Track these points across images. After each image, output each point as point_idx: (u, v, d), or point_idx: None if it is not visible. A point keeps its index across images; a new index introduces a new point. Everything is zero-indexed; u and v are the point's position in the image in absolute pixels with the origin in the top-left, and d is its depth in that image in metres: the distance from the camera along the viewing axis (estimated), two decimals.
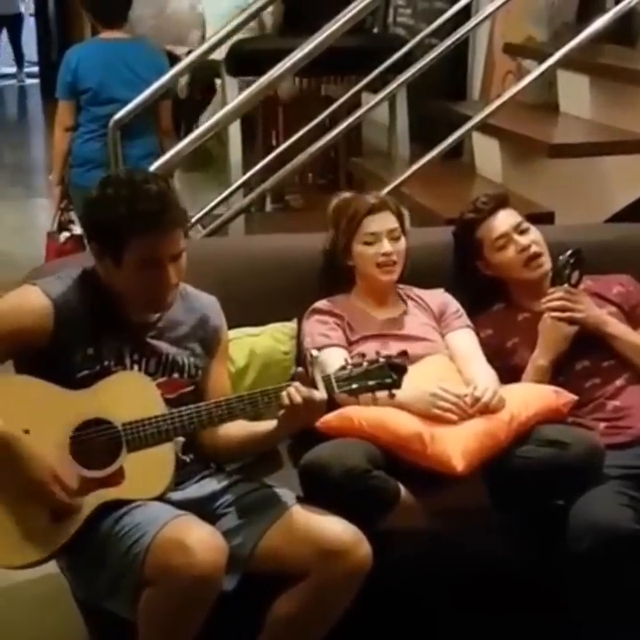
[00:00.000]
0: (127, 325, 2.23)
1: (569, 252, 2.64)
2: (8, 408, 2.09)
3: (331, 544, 2.08)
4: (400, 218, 2.65)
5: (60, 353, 2.16)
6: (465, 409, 2.33)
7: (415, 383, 2.29)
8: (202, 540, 2.01)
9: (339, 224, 2.65)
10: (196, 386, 2.31)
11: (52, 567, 2.21)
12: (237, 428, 2.25)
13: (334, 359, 2.37)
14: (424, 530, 2.30)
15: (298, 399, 2.08)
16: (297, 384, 2.11)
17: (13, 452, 2.07)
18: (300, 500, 2.21)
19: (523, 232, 2.70)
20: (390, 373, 2.13)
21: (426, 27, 4.33)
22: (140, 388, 2.20)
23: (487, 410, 2.34)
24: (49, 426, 2.09)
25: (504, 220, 2.71)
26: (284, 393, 2.10)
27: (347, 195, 2.72)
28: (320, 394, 2.10)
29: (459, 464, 2.25)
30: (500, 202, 2.75)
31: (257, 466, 2.46)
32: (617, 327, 2.62)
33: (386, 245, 2.59)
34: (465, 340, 2.62)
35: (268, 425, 2.21)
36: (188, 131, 7.01)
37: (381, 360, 2.14)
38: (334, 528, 2.11)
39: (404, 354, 2.16)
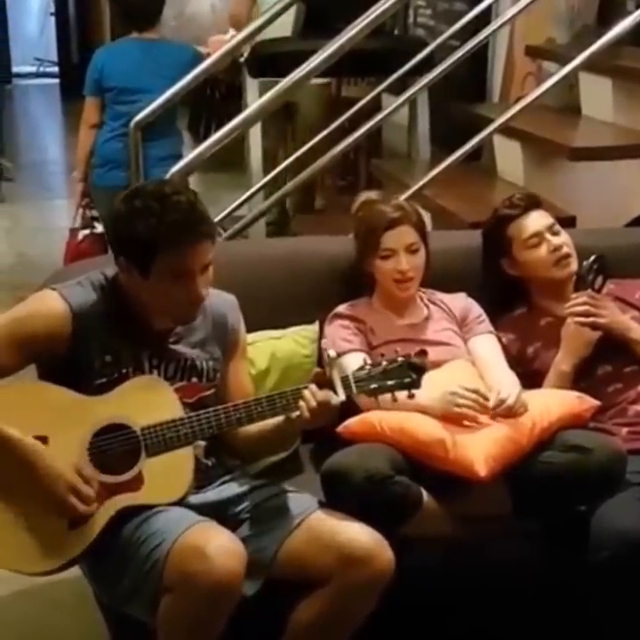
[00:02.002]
0: (146, 331, 2.23)
1: (592, 258, 2.64)
2: (27, 414, 2.10)
3: (354, 550, 2.08)
4: (420, 228, 2.62)
5: (78, 360, 2.16)
6: (485, 405, 2.32)
7: (436, 387, 2.28)
8: (221, 547, 2.00)
9: (359, 232, 2.65)
10: (216, 388, 2.31)
11: (72, 570, 2.21)
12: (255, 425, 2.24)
13: (356, 364, 2.36)
14: (446, 535, 2.30)
15: (313, 404, 2.09)
16: (313, 387, 2.10)
17: (30, 462, 2.07)
18: (321, 505, 2.20)
19: (555, 233, 2.70)
20: (409, 373, 2.12)
21: (446, 28, 4.32)
22: (158, 392, 2.19)
23: (510, 414, 2.33)
24: (68, 432, 2.10)
25: (537, 219, 2.70)
26: (302, 402, 2.10)
27: (370, 196, 2.70)
28: (336, 397, 2.10)
29: (481, 469, 2.24)
30: (535, 202, 2.74)
31: (278, 470, 2.46)
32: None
33: (403, 262, 2.56)
34: (487, 346, 2.61)
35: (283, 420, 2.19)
36: (218, 128, 7.00)
37: (400, 359, 2.13)
38: (358, 534, 2.10)
39: (423, 353, 2.15)
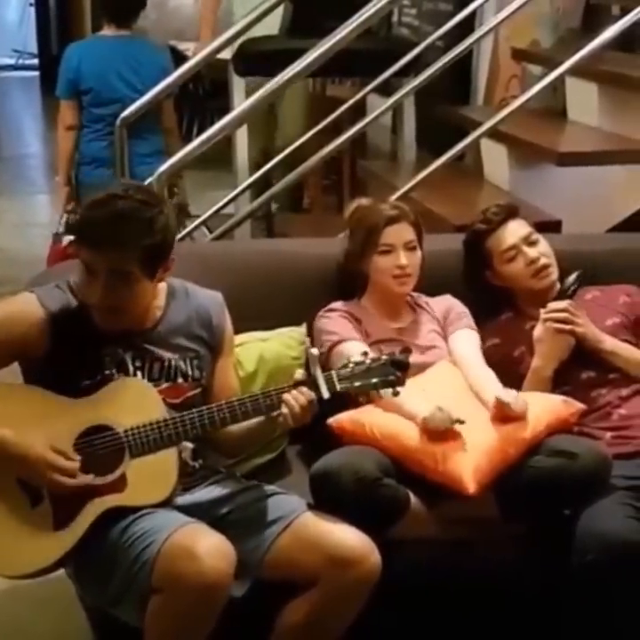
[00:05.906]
0: (128, 332, 2.22)
1: (575, 275, 2.69)
2: (10, 416, 2.10)
3: (342, 552, 2.09)
4: (417, 228, 2.64)
5: (59, 362, 2.16)
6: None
7: (433, 398, 2.29)
8: (211, 548, 2.01)
9: (356, 233, 2.65)
10: (203, 388, 2.30)
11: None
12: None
13: (356, 351, 2.30)
14: (433, 538, 2.31)
15: (297, 408, 2.09)
16: (295, 392, 2.10)
17: (5, 453, 2.06)
18: (309, 507, 2.21)
19: (532, 244, 2.71)
20: (393, 371, 2.12)
21: (430, 27, 4.31)
22: (142, 393, 2.19)
23: (511, 417, 2.32)
24: (51, 434, 2.09)
25: (514, 231, 2.71)
26: (284, 407, 2.10)
27: (364, 202, 2.72)
28: (319, 395, 2.10)
29: (470, 485, 2.24)
30: (510, 212, 2.74)
31: (266, 472, 2.47)
32: (613, 343, 2.61)
33: (402, 258, 2.58)
34: (467, 343, 2.61)
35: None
36: (201, 125, 6.98)
37: (383, 357, 2.13)
38: (346, 536, 2.11)
39: (406, 350, 2.16)
